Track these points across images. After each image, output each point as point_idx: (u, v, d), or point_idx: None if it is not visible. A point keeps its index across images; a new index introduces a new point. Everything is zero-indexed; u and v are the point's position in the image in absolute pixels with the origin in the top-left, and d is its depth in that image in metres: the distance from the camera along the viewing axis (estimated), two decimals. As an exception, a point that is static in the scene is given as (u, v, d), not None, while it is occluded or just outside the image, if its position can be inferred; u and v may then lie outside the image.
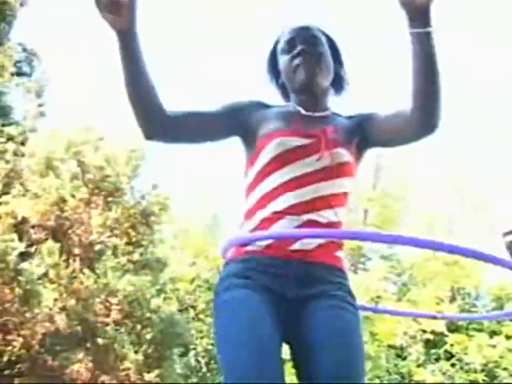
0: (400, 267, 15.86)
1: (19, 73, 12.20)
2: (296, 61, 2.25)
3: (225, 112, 2.27)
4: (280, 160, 2.15)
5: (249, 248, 2.11)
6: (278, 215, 2.12)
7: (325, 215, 2.14)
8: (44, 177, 9.73)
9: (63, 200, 9.67)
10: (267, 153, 2.16)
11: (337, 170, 2.15)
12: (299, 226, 2.09)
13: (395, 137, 2.22)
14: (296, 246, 2.08)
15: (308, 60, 2.25)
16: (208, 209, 16.86)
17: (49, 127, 11.18)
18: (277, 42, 2.36)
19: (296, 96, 2.29)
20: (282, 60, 2.31)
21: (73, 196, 9.76)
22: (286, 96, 2.36)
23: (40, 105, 11.91)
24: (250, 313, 1.99)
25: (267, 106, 2.33)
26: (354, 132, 2.24)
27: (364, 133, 2.24)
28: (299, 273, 2.07)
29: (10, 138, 10.44)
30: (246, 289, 2.04)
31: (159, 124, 2.18)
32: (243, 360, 1.90)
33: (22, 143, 10.57)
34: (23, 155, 10.25)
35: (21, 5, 11.75)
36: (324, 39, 2.31)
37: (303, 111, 2.25)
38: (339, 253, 2.15)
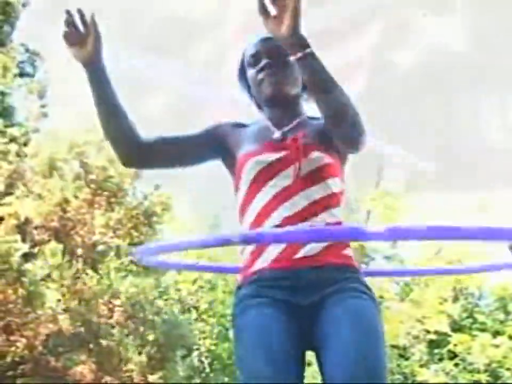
0: (403, 267, 15.84)
1: (22, 74, 12.20)
2: (261, 75, 2.25)
3: (202, 137, 2.28)
4: (262, 178, 2.15)
5: (255, 268, 2.11)
6: (279, 228, 2.12)
7: (322, 219, 2.13)
8: (47, 178, 9.74)
9: (66, 201, 9.67)
10: (247, 174, 2.16)
11: (320, 174, 2.15)
12: None
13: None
14: (301, 254, 2.08)
15: (273, 73, 2.24)
16: (210, 209, 16.87)
17: (51, 128, 11.18)
18: (243, 55, 2.36)
19: (266, 108, 2.30)
20: (249, 73, 2.32)
21: (76, 197, 9.76)
22: (259, 106, 2.37)
23: (42, 106, 11.91)
24: (267, 334, 1.99)
25: (243, 126, 2.33)
26: (327, 134, 2.22)
27: None
28: (310, 280, 2.06)
29: (13, 139, 10.44)
30: (261, 308, 2.03)
31: (133, 153, 2.23)
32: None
33: (25, 144, 10.57)
34: (25, 156, 10.26)
35: (23, 5, 11.77)
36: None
37: (272, 127, 2.25)
38: (347, 251, 2.14)
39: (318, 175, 2.13)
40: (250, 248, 2.15)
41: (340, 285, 2.06)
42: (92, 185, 9.93)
